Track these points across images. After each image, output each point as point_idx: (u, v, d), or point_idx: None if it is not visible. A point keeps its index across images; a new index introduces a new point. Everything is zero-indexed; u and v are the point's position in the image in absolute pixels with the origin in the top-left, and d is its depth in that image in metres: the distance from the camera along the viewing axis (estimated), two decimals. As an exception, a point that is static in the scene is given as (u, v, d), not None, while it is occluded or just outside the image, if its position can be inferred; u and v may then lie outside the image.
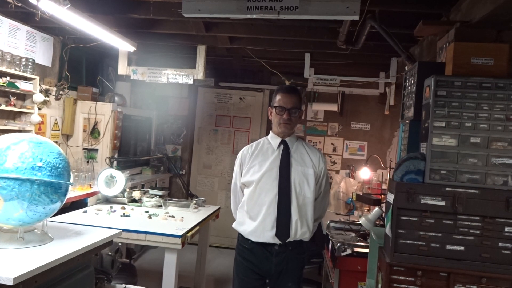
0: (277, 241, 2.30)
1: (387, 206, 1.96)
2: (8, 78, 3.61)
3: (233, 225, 2.47)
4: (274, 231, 2.29)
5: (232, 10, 2.52)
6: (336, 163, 5.67)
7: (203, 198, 3.94)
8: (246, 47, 4.35)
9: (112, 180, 3.69)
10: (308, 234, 2.38)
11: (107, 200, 3.76)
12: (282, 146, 2.39)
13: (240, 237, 2.43)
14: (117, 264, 2.19)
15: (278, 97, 2.38)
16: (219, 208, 3.95)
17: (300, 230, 2.32)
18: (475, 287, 1.72)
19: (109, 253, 2.13)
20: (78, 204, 3.63)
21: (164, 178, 5.80)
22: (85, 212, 3.34)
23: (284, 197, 2.31)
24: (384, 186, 3.95)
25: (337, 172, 5.59)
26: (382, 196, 3.35)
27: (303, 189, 2.34)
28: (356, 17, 2.47)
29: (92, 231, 1.94)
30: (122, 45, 4.03)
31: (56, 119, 4.48)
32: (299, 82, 5.11)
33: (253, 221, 2.34)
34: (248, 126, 6.00)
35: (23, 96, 3.95)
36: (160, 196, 3.92)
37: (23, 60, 3.79)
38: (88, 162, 4.52)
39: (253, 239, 2.34)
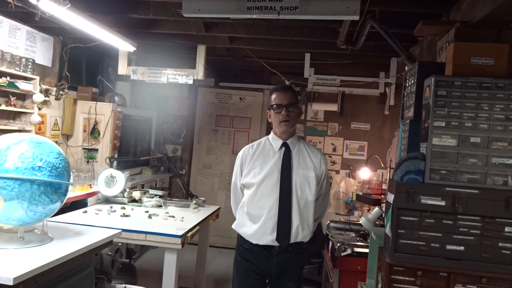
0: (277, 244, 2.30)
1: (387, 206, 1.96)
2: (8, 78, 3.61)
3: (233, 226, 2.45)
4: (275, 234, 2.28)
5: (232, 10, 2.52)
6: (336, 163, 5.67)
7: (203, 198, 3.95)
8: (246, 47, 4.35)
9: (112, 180, 3.69)
10: (309, 236, 2.38)
11: (107, 200, 3.76)
12: (283, 149, 2.37)
13: (240, 237, 2.42)
14: (117, 264, 2.20)
15: (273, 96, 2.38)
16: (219, 208, 3.95)
17: (301, 234, 2.32)
18: (475, 287, 1.72)
19: (109, 253, 2.14)
20: (78, 204, 3.63)
21: (164, 178, 5.80)
22: (85, 212, 3.34)
23: (285, 201, 2.29)
24: (384, 186, 3.95)
25: (337, 172, 5.58)
26: (382, 196, 3.35)
27: (305, 192, 2.33)
28: (356, 17, 2.47)
29: (92, 231, 1.94)
30: (122, 45, 4.03)
31: (56, 119, 4.48)
32: (299, 82, 5.11)
33: (254, 224, 2.32)
34: (248, 126, 6.00)
35: (23, 96, 3.95)
36: (160, 196, 3.91)
37: (23, 60, 3.79)
38: (88, 162, 4.52)
39: (253, 242, 2.33)
